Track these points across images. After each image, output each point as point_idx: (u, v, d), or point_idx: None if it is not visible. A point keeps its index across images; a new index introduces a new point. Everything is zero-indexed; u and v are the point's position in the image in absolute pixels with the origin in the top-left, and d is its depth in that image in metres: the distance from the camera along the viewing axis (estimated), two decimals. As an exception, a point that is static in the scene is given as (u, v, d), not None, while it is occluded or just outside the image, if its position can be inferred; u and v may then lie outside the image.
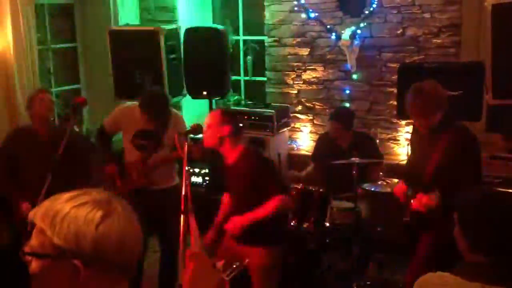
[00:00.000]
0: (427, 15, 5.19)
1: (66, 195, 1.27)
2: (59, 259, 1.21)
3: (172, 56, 5.53)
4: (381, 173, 4.39)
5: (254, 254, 3.47)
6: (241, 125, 3.63)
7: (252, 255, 3.45)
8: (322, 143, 5.08)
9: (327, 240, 4.43)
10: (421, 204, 3.30)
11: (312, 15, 5.61)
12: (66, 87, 6.54)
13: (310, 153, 5.54)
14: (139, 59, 5.43)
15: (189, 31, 5.59)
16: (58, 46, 6.39)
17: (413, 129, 3.86)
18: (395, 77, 5.20)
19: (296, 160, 5.87)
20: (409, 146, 4.08)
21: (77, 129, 6.03)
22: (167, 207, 4.21)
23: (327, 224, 4.39)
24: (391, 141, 5.52)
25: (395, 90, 5.19)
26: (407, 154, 5.25)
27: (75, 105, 3.93)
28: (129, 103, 4.56)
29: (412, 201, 3.40)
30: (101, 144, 4.35)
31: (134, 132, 4.16)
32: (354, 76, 5.52)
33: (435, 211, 3.25)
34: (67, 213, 1.23)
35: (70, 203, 1.25)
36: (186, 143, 3.48)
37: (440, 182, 3.39)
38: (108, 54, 5.66)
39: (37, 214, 1.25)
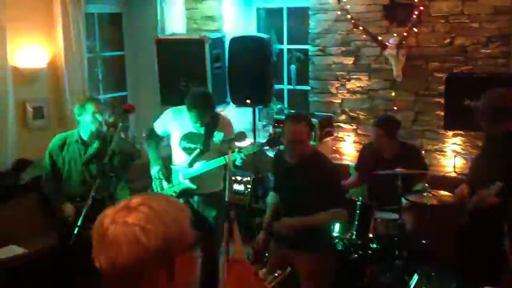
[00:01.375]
0: (475, 25, 5.08)
1: None
2: None
3: (217, 64, 5.60)
4: (426, 185, 4.29)
5: (306, 260, 3.48)
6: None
7: (303, 260, 3.46)
8: (367, 152, 5.01)
9: (370, 252, 4.36)
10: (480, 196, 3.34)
11: (358, 24, 5.57)
12: (114, 94, 6.69)
13: (353, 163, 5.49)
14: (185, 67, 5.51)
15: (234, 40, 5.65)
16: (106, 54, 6.55)
17: (485, 136, 3.89)
18: (442, 87, 5.12)
19: (339, 170, 5.81)
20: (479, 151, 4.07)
21: (123, 135, 6.16)
22: (211, 212, 4.25)
23: (370, 235, 4.32)
24: (437, 153, 5.41)
25: (441, 101, 5.11)
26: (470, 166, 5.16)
27: (123, 112, 4.01)
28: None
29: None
30: (151, 146, 4.42)
31: (182, 135, 4.22)
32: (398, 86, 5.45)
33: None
34: None
35: None
36: (230, 150, 3.52)
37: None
38: (154, 62, 5.77)
39: None
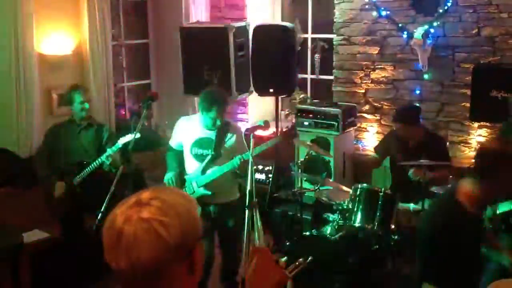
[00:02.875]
0: (504, 15, 4.99)
1: None
2: None
3: (241, 53, 5.58)
4: (450, 176, 4.24)
5: None
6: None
7: None
8: (391, 139, 4.94)
9: (392, 243, 4.33)
10: None
11: (384, 13, 5.51)
12: (137, 82, 6.73)
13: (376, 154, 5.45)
14: (208, 55, 5.51)
15: (258, 28, 5.62)
16: (130, 42, 6.58)
17: None
18: (468, 78, 5.05)
19: (362, 161, 5.78)
20: None
21: (146, 123, 6.20)
22: (228, 221, 4.21)
23: (393, 226, 4.29)
24: (462, 144, 5.34)
25: (468, 92, 5.04)
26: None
27: (147, 99, 4.03)
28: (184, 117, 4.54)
29: None
30: (169, 156, 4.32)
31: (192, 142, 4.16)
32: (425, 76, 5.38)
33: None
34: None
35: None
36: (253, 138, 3.51)
37: None
38: (178, 51, 5.78)
39: None
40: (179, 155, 4.33)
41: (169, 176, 4.19)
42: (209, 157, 4.07)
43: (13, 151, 4.89)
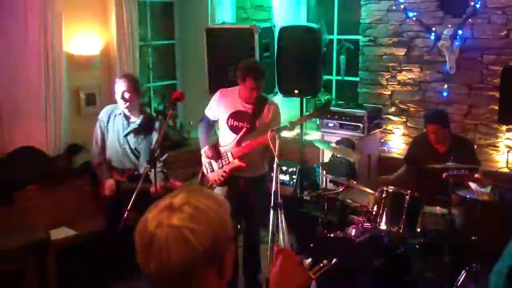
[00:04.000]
0: (533, 17, 4.91)
1: None
2: None
3: (266, 54, 5.58)
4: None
5: None
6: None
7: None
8: (418, 144, 4.90)
9: (417, 246, 4.29)
10: None
11: (411, 14, 5.45)
12: (163, 82, 6.78)
13: (401, 156, 5.40)
14: (234, 56, 5.52)
15: (283, 29, 5.62)
16: (157, 42, 6.64)
17: None
18: (497, 80, 4.98)
19: (387, 163, 5.73)
20: None
21: (172, 123, 6.24)
22: (254, 195, 4.25)
23: (418, 230, 4.24)
24: (490, 147, 5.26)
25: (496, 94, 4.97)
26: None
27: (173, 99, 4.08)
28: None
29: None
30: (202, 128, 4.44)
31: (230, 113, 4.24)
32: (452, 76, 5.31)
33: None
34: None
35: None
36: (278, 139, 3.51)
37: None
38: (204, 51, 5.81)
39: None
40: (212, 126, 4.48)
41: (205, 150, 4.33)
42: (244, 129, 4.17)
43: (41, 149, 4.96)
